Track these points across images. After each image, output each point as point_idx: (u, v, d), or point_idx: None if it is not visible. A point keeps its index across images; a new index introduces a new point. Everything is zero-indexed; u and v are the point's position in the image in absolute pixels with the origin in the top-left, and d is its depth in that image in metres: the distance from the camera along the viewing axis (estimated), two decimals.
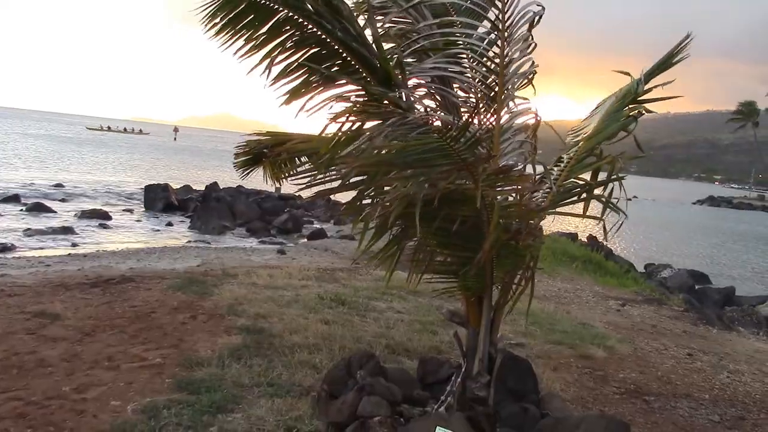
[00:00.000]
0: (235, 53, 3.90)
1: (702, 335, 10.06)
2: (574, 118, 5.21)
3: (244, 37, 3.89)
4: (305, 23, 3.72)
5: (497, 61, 4.55)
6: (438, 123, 3.80)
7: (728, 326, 11.79)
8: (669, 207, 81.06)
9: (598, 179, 4.42)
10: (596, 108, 5.16)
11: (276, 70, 3.85)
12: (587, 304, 11.72)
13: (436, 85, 4.54)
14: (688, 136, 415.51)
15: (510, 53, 4.50)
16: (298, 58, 3.85)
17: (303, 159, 5.68)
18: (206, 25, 3.94)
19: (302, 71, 3.86)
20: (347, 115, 3.32)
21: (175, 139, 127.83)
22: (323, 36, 3.71)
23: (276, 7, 3.72)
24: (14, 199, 25.40)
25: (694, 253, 34.48)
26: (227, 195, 28.97)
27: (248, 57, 3.89)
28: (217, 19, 3.90)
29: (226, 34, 3.92)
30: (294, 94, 3.81)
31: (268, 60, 3.82)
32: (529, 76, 4.55)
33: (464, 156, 3.24)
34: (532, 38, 4.47)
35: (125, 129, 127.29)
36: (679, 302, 13.36)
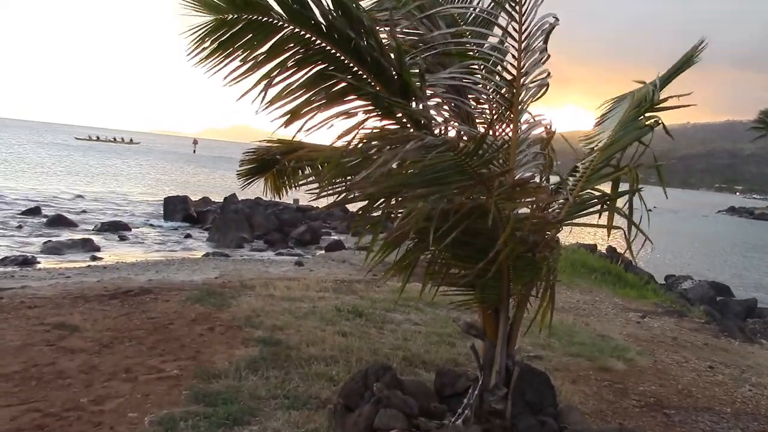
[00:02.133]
0: (226, 77, 3.76)
1: (723, 348, 9.93)
2: (590, 129, 5.18)
3: (240, 57, 3.76)
4: (312, 38, 3.66)
5: (513, 72, 4.55)
6: (453, 133, 3.79)
7: (750, 338, 11.64)
8: (689, 218, 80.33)
9: (617, 190, 4.39)
10: (608, 112, 5.12)
11: (273, 91, 3.74)
12: (606, 316, 11.61)
13: (450, 95, 4.53)
14: (708, 146, 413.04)
15: (526, 65, 4.50)
16: (301, 77, 3.77)
17: (308, 171, 5.70)
18: (194, 50, 3.80)
19: (303, 90, 3.78)
20: (356, 131, 3.29)
21: (194, 151, 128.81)
22: (332, 51, 3.66)
23: (280, 23, 3.66)
24: (35, 211, 25.71)
25: (715, 265, 34.13)
26: (245, 207, 29.08)
27: (243, 78, 3.76)
28: (207, 43, 3.78)
29: (218, 56, 3.79)
30: (294, 115, 3.74)
31: (266, 81, 3.71)
32: (544, 88, 4.53)
33: (479, 171, 3.21)
34: (547, 50, 4.45)
35: (114, 138, 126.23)
36: (700, 314, 13.22)
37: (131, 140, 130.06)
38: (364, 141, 3.24)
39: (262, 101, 3.71)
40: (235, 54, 3.79)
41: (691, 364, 8.40)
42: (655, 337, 9.96)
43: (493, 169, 3.38)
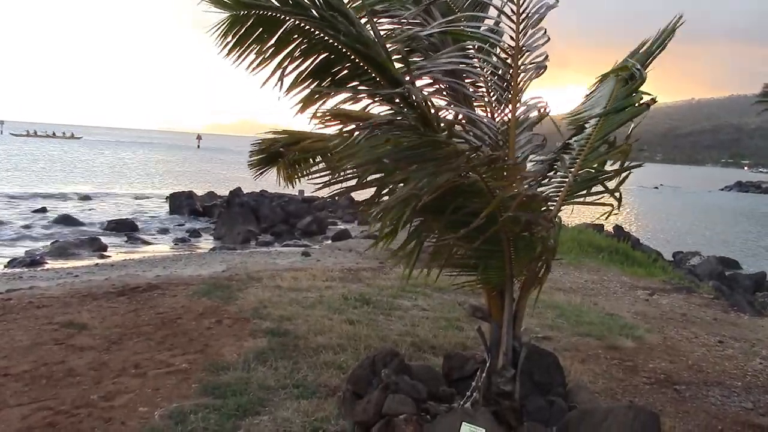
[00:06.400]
0: (248, 68, 3.93)
1: (733, 322, 9.91)
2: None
3: (254, 51, 3.91)
4: (312, 30, 3.71)
5: (511, 53, 4.52)
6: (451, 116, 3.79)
7: (760, 312, 11.61)
8: (696, 194, 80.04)
9: (615, 168, 4.35)
10: (594, 91, 5.06)
11: (288, 80, 3.87)
12: (614, 294, 11.59)
13: (448, 78, 4.51)
14: (713, 121, 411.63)
15: (524, 45, 4.47)
16: (308, 66, 3.85)
17: (317, 159, 5.71)
18: (219, 45, 4.00)
19: (311, 79, 3.87)
20: (333, 116, 3.37)
21: (198, 146, 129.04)
22: (331, 41, 3.70)
23: (282, 17, 3.72)
24: (42, 211, 25.83)
25: (723, 240, 34.08)
26: (251, 200, 29.14)
27: (260, 70, 3.91)
28: (229, 38, 3.95)
29: (238, 51, 3.96)
30: (307, 102, 3.81)
31: (280, 71, 3.83)
32: (542, 69, 4.50)
33: (449, 148, 3.26)
34: (545, 31, 4.43)
35: (54, 133, 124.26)
36: (709, 289, 13.16)
37: (72, 135, 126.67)
38: (328, 117, 3.42)
39: (280, 90, 3.85)
40: (251, 48, 3.94)
41: (701, 339, 8.38)
42: (664, 314, 9.94)
43: (469, 145, 3.41)
